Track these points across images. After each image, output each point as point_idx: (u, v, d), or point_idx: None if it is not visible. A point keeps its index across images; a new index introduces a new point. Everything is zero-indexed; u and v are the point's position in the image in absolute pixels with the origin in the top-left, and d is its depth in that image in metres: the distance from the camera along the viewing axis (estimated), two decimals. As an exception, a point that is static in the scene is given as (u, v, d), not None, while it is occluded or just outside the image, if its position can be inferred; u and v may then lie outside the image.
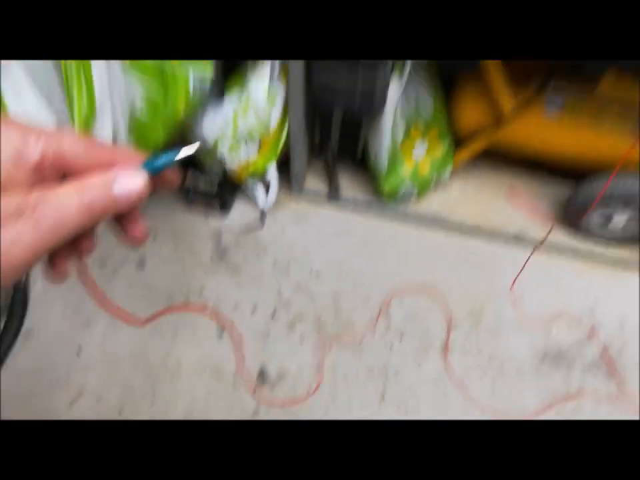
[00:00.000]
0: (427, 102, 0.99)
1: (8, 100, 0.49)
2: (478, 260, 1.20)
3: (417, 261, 1.19)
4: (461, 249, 1.21)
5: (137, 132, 0.76)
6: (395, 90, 0.87)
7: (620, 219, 1.08)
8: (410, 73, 0.93)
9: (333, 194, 1.23)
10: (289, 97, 0.92)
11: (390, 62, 0.79)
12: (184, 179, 1.14)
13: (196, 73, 0.81)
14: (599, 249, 1.19)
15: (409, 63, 0.87)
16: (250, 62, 0.92)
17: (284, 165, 1.19)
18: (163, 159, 0.27)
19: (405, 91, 0.96)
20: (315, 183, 1.28)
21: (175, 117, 0.83)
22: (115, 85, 0.65)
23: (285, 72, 0.91)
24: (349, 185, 1.28)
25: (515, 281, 1.07)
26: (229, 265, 1.17)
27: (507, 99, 0.93)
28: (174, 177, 0.29)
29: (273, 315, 1.10)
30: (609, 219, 1.10)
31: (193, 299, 1.11)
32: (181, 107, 0.82)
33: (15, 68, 0.49)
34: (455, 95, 1.02)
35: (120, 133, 0.70)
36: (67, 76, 0.54)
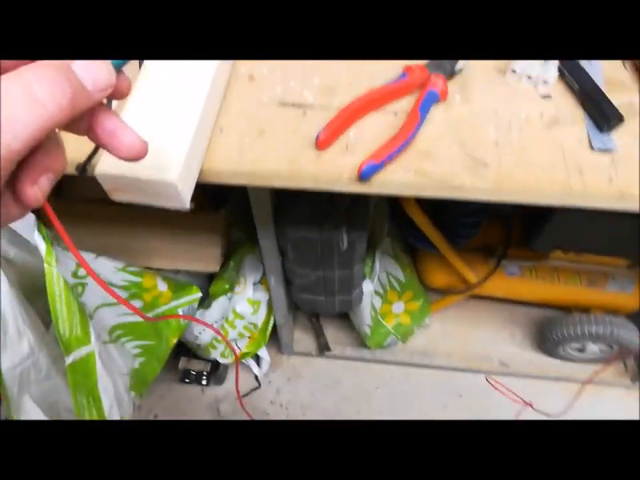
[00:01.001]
0: (398, 272, 1.08)
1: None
2: (466, 394, 1.25)
3: (408, 402, 1.23)
4: (448, 385, 1.26)
5: (136, 377, 0.81)
6: (368, 286, 0.95)
7: (594, 349, 1.16)
8: (380, 256, 1.01)
9: (322, 348, 1.29)
10: (271, 301, 0.99)
11: (362, 272, 0.87)
12: (177, 362, 1.18)
13: (184, 308, 0.88)
14: (580, 370, 1.25)
15: (377, 264, 0.96)
16: (232, 270, 0.99)
17: (272, 330, 1.24)
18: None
19: (377, 269, 1.04)
20: (303, 339, 1.33)
21: (168, 349, 0.89)
22: (115, 374, 0.70)
23: (265, 282, 0.98)
24: (336, 336, 1.33)
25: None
26: (231, 440, 1.20)
27: (469, 274, 1.02)
28: (125, 82, 0.26)
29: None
30: (583, 349, 1.17)
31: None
32: (173, 339, 0.87)
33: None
34: (422, 266, 1.11)
35: (122, 398, 0.75)
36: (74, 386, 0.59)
